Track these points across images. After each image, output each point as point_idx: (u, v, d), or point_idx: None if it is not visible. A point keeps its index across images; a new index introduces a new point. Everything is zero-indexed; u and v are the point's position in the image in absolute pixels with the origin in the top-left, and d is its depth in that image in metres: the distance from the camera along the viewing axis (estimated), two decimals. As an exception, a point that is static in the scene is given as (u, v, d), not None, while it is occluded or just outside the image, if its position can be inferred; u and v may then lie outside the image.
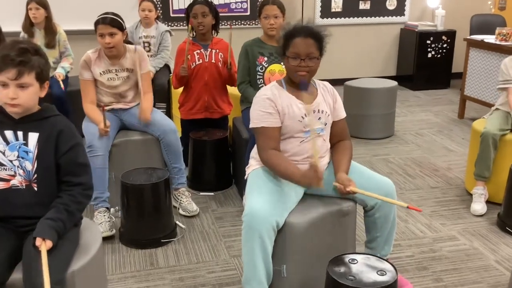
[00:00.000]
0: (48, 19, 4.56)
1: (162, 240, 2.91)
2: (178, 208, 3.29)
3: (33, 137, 1.91)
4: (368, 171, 2.44)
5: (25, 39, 2.11)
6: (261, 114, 2.30)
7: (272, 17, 3.34)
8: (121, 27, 3.12)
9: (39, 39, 4.56)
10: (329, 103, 2.41)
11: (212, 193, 3.58)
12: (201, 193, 3.58)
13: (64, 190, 1.93)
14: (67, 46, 4.66)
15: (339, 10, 6.66)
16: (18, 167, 1.90)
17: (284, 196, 2.25)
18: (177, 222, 3.13)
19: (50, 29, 4.56)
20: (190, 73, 3.66)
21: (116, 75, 3.21)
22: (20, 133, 1.91)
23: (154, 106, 4.66)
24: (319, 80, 2.45)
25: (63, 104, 4.19)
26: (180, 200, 3.30)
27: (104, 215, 2.99)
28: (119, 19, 3.14)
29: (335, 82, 5.00)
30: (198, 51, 3.65)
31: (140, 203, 2.87)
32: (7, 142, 1.90)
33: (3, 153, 1.90)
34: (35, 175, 1.91)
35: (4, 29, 5.36)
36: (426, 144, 4.65)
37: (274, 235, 2.17)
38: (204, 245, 2.94)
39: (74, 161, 1.94)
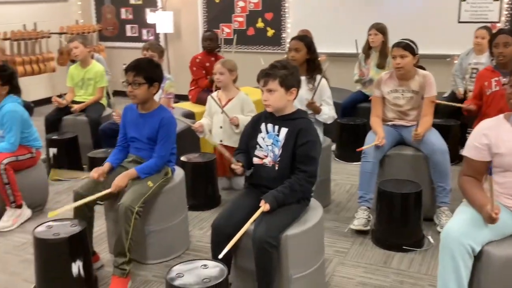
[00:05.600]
0: (384, 43, 5.20)
1: (404, 247, 3.18)
2: (436, 225, 3.45)
3: (284, 131, 2.59)
4: None
5: (284, 59, 2.94)
6: (470, 145, 2.41)
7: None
8: (412, 51, 3.51)
9: (373, 60, 5.28)
10: None
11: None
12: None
13: (294, 174, 2.53)
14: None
15: None
16: (270, 151, 2.61)
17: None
18: (428, 236, 3.32)
19: (384, 52, 5.20)
20: (485, 100, 3.74)
21: (402, 94, 3.61)
22: (276, 127, 2.62)
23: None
24: None
25: None
26: (440, 218, 3.44)
27: (364, 212, 3.46)
28: (413, 45, 3.53)
29: None
30: (496, 78, 3.69)
31: (390, 209, 3.22)
32: (267, 131, 2.64)
33: (263, 139, 2.64)
34: (279, 159, 2.58)
35: (343, 51, 6.32)
36: None
37: (469, 259, 2.21)
38: (440, 262, 3.05)
39: (305, 153, 2.52)
